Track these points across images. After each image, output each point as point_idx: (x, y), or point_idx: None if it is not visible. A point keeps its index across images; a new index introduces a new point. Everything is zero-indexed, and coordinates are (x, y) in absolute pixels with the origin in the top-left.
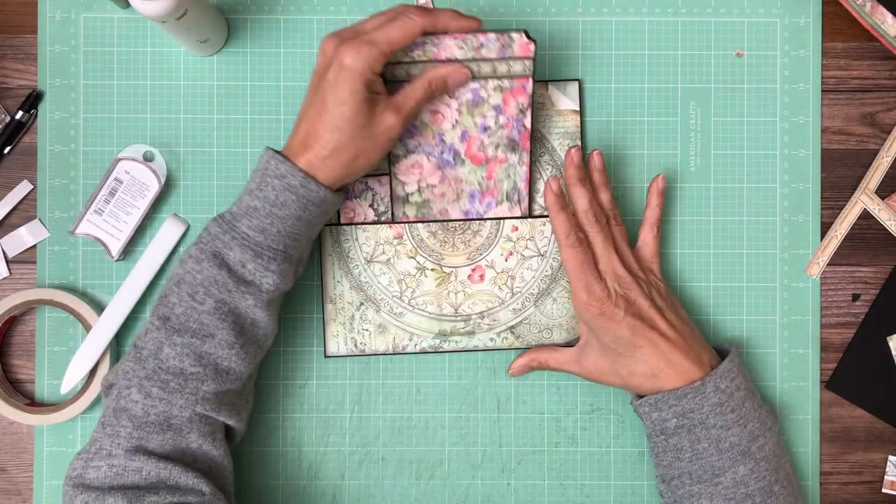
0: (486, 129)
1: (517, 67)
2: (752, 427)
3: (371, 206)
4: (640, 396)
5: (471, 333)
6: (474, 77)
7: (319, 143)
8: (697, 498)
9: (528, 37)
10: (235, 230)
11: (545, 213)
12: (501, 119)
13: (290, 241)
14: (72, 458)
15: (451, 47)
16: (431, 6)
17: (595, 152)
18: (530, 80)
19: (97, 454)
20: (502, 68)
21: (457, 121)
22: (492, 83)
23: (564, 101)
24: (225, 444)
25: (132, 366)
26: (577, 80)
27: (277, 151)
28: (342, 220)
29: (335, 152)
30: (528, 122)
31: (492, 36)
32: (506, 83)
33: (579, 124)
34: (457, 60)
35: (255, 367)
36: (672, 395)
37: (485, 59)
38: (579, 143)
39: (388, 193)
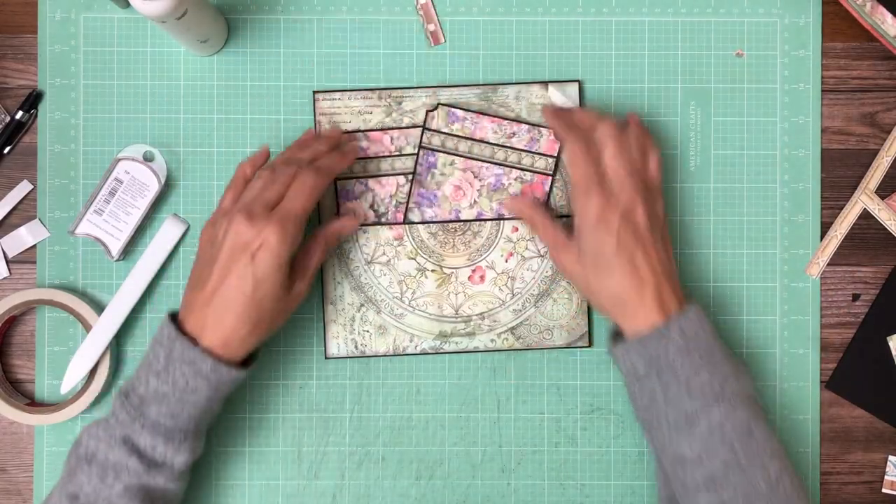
0: (500, 215)
1: (540, 163)
2: (723, 370)
3: (371, 207)
4: (615, 339)
5: (471, 335)
6: (499, 164)
7: (237, 321)
8: (678, 445)
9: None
10: (145, 417)
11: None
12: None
13: (202, 417)
14: None
15: (486, 129)
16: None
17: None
18: (549, 179)
19: None
20: (527, 160)
21: (475, 201)
22: (515, 173)
23: (565, 102)
24: None
25: None
26: (577, 80)
27: (177, 323)
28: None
29: (254, 329)
30: None
31: (524, 127)
32: (527, 176)
33: None
34: (489, 143)
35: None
36: (638, 343)
37: (513, 148)
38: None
39: (388, 195)
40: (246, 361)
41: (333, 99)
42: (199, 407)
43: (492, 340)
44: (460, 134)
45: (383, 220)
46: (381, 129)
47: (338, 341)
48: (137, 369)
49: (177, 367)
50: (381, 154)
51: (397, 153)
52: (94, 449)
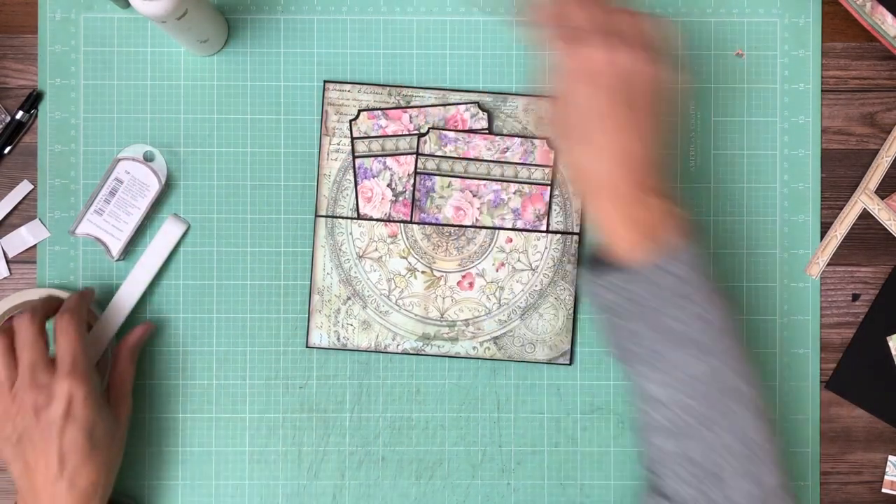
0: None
1: (537, 174)
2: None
3: (389, 185)
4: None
5: (454, 340)
6: (497, 180)
7: (94, 474)
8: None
9: (550, 146)
10: None
11: (538, 229)
12: (519, 223)
13: None
14: None
15: (479, 147)
16: None
17: None
18: (548, 189)
19: None
20: (524, 173)
21: (477, 219)
22: (513, 187)
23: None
24: None
25: None
26: None
27: None
28: (360, 199)
29: (109, 474)
30: (543, 230)
31: (517, 140)
32: (525, 189)
33: None
34: (483, 160)
35: None
36: (620, 276)
37: (509, 162)
38: None
39: (406, 173)
40: None
41: (343, 90)
42: None
43: (473, 348)
44: (454, 155)
45: (401, 198)
46: (400, 108)
47: (320, 332)
48: None
49: None
50: (400, 133)
51: (416, 132)
52: None
